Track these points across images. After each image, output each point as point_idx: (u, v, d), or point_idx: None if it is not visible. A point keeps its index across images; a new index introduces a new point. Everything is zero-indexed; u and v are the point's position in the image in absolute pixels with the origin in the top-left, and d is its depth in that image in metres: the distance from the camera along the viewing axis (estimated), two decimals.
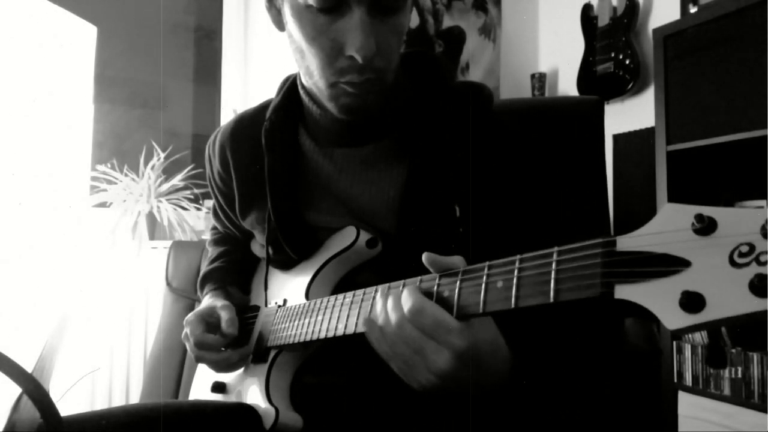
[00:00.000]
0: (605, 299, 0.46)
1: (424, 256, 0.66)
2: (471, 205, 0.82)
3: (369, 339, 0.69)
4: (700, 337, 2.13)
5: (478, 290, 0.59)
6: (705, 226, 0.42)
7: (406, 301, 0.64)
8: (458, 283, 0.63)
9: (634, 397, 2.28)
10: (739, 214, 0.41)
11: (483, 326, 0.64)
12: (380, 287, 0.73)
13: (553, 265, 0.52)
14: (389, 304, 0.67)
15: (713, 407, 2.06)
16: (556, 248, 0.53)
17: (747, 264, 0.39)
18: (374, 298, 0.72)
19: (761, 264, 0.39)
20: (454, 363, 0.62)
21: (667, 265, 0.44)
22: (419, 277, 0.69)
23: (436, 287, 0.65)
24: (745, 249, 0.40)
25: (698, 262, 0.42)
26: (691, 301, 0.41)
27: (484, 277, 0.59)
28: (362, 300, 0.74)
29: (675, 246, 0.44)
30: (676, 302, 0.42)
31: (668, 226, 0.44)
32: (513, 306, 0.55)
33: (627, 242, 0.47)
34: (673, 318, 0.42)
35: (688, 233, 0.43)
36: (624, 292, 0.46)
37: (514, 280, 0.56)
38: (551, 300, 0.51)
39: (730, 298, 0.40)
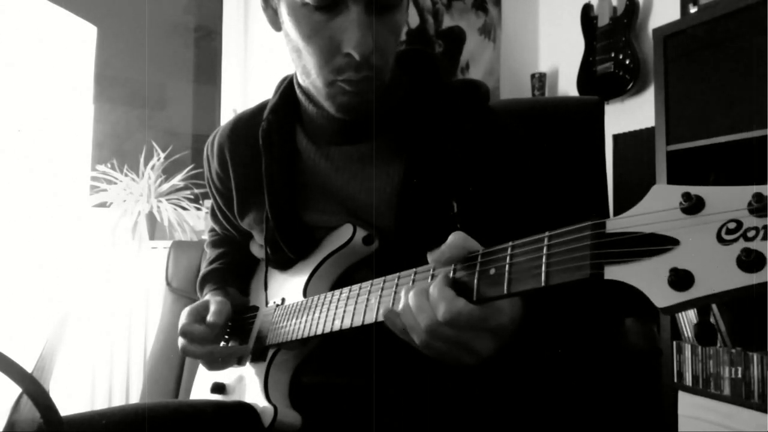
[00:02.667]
0: (602, 291, 0.47)
1: (452, 237, 0.63)
2: (469, 200, 0.82)
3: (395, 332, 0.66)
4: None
5: (472, 279, 0.60)
6: (692, 205, 0.42)
7: (438, 304, 0.60)
8: (452, 273, 0.62)
9: (634, 397, 2.27)
10: (726, 192, 0.41)
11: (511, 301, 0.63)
12: (374, 281, 0.73)
13: (544, 250, 0.52)
14: (414, 307, 0.62)
15: (713, 407, 2.05)
16: (547, 233, 0.53)
17: (734, 240, 0.40)
18: (369, 292, 0.72)
19: (748, 239, 0.39)
20: (496, 343, 0.61)
21: (655, 244, 0.44)
22: (413, 270, 0.68)
23: (429, 279, 0.64)
24: (732, 226, 0.40)
25: (686, 240, 0.42)
26: (680, 279, 0.41)
27: (477, 266, 0.60)
28: (358, 294, 0.75)
29: (663, 225, 0.44)
30: (664, 280, 0.42)
31: (656, 206, 0.45)
32: (505, 292, 0.55)
33: (616, 223, 0.47)
34: (662, 296, 0.42)
35: (676, 212, 0.43)
36: (614, 272, 0.46)
37: (506, 266, 0.56)
38: (542, 284, 0.51)
39: (718, 274, 0.40)
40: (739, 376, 1.99)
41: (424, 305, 0.61)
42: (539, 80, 3.10)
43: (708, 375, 2.08)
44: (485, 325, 0.60)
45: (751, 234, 0.39)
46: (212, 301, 0.97)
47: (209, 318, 0.93)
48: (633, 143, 2.70)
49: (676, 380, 2.18)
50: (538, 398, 0.87)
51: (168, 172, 2.29)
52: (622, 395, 1.02)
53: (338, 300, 0.78)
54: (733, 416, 1.99)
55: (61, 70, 1.76)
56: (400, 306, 0.64)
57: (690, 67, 2.20)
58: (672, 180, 2.20)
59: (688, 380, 2.14)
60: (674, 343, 2.19)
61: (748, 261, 0.38)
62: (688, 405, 2.13)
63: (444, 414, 0.84)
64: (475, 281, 0.59)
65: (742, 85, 2.03)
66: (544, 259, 0.52)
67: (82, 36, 1.79)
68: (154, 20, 2.56)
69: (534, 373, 0.84)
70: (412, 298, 0.62)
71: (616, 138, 2.76)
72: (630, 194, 2.66)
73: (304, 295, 0.89)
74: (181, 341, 0.94)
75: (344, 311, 0.75)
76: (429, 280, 0.64)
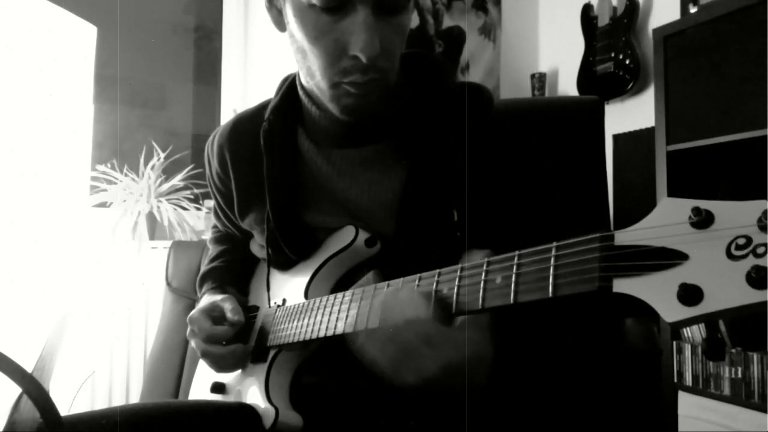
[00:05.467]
0: (605, 296, 0.47)
1: None
2: (469, 209, 0.82)
3: (355, 338, 0.70)
4: (700, 336, 2.13)
5: (477, 287, 0.59)
6: (702, 219, 0.42)
7: (408, 306, 0.64)
8: (457, 281, 0.62)
9: (634, 397, 2.28)
10: (736, 207, 0.41)
11: (478, 339, 0.64)
12: (378, 285, 0.73)
13: (552, 260, 0.52)
14: (386, 306, 0.66)
15: (713, 407, 2.05)
16: (554, 243, 0.53)
17: (744, 256, 0.40)
18: (372, 297, 0.72)
19: (758, 256, 0.39)
20: (443, 372, 0.62)
21: (664, 258, 0.44)
22: (417, 275, 0.68)
23: (435, 285, 0.65)
24: (742, 241, 0.40)
25: (696, 255, 0.42)
26: (689, 294, 0.41)
27: (483, 274, 0.59)
28: (361, 299, 0.74)
29: (673, 239, 0.44)
30: (674, 295, 0.42)
31: (666, 219, 0.45)
32: (512, 301, 0.55)
33: (625, 236, 0.47)
34: (671, 311, 0.42)
35: (685, 227, 0.43)
36: (622, 286, 0.46)
37: (513, 276, 0.56)
38: (550, 295, 0.51)
39: (727, 290, 0.40)
40: (739, 376, 1.99)
41: (393, 302, 0.67)
42: (539, 80, 3.10)
43: (708, 375, 2.09)
44: (443, 344, 0.62)
45: (760, 251, 0.39)
46: (222, 301, 0.96)
47: (231, 317, 0.93)
48: (633, 143, 2.70)
49: (676, 380, 2.18)
50: (538, 397, 0.87)
51: (168, 172, 2.29)
52: (622, 395, 1.02)
53: (341, 303, 0.78)
54: (733, 416, 1.99)
55: (61, 70, 1.75)
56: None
57: (690, 67, 2.20)
58: (672, 180, 2.20)
59: (688, 380, 2.14)
60: (674, 343, 2.19)
61: (758, 278, 0.38)
62: (688, 405, 2.13)
63: (443, 414, 0.84)
64: (481, 289, 0.59)
65: (742, 85, 2.03)
66: (551, 270, 0.52)
67: (82, 36, 1.79)
68: (154, 20, 2.56)
69: (534, 378, 0.84)
70: (384, 296, 0.67)
71: (616, 138, 2.76)
72: (630, 194, 2.66)
73: (306, 296, 0.89)
74: (203, 346, 0.94)
75: (347, 315, 0.75)
76: (434, 286, 0.66)
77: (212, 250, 1.16)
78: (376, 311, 0.68)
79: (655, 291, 0.43)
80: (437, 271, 0.66)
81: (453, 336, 0.62)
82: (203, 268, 1.11)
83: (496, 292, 0.57)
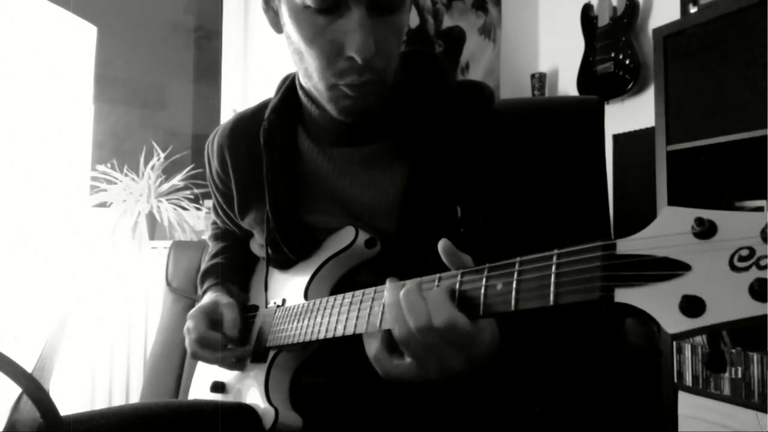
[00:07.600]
0: (605, 302, 0.46)
1: (442, 243, 0.64)
2: (472, 205, 0.81)
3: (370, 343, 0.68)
4: (700, 337, 2.13)
5: (477, 293, 0.59)
6: (705, 230, 0.42)
7: (438, 312, 0.60)
8: (458, 285, 0.62)
9: (634, 397, 2.28)
10: (739, 218, 0.41)
11: (491, 328, 0.64)
12: (377, 288, 0.73)
13: (553, 268, 0.52)
14: (409, 310, 0.63)
15: (713, 407, 2.06)
16: (555, 251, 0.52)
17: (747, 268, 0.39)
18: (372, 299, 0.72)
19: (761, 268, 0.38)
20: (467, 366, 0.62)
21: (667, 268, 0.43)
22: (437, 275, 0.66)
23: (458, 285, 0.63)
24: (745, 253, 0.39)
25: (698, 266, 0.42)
26: (691, 306, 0.41)
27: (484, 280, 0.59)
28: (361, 301, 0.74)
29: (675, 250, 0.43)
30: (676, 306, 0.42)
31: (668, 229, 0.44)
32: (512, 309, 0.55)
33: (627, 246, 0.47)
34: (673, 322, 0.42)
35: (688, 237, 0.43)
36: (624, 295, 0.45)
37: (514, 283, 0.55)
38: (551, 303, 0.51)
39: (730, 302, 0.39)
40: (739, 376, 1.99)
41: (419, 304, 0.62)
42: (539, 80, 3.10)
43: (708, 375, 2.09)
44: (470, 345, 0.61)
45: (764, 262, 0.38)
46: (224, 307, 0.96)
47: (228, 330, 0.93)
48: (633, 143, 2.70)
49: (676, 380, 2.18)
50: (537, 397, 0.87)
51: (168, 172, 2.29)
52: (622, 395, 1.02)
53: (341, 305, 0.78)
54: (733, 416, 1.99)
55: (61, 70, 1.75)
56: (387, 300, 0.65)
57: (690, 67, 2.20)
58: (672, 180, 2.20)
59: (688, 380, 2.14)
60: (674, 343, 2.19)
61: (761, 291, 0.38)
62: (688, 405, 2.13)
63: (445, 414, 0.84)
64: (482, 295, 0.59)
65: (742, 85, 2.03)
66: (552, 278, 0.51)
67: (82, 36, 1.78)
68: (154, 20, 2.56)
69: (530, 378, 0.84)
70: (404, 295, 0.63)
71: (616, 138, 2.77)
72: (630, 194, 2.66)
73: (305, 297, 0.89)
74: (193, 347, 0.93)
75: (347, 317, 0.75)
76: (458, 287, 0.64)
77: (212, 246, 1.16)
78: (397, 311, 0.65)
79: (657, 302, 0.43)
80: (437, 275, 0.65)
81: (474, 333, 0.61)
82: (204, 265, 1.11)
83: (496, 299, 0.57)
